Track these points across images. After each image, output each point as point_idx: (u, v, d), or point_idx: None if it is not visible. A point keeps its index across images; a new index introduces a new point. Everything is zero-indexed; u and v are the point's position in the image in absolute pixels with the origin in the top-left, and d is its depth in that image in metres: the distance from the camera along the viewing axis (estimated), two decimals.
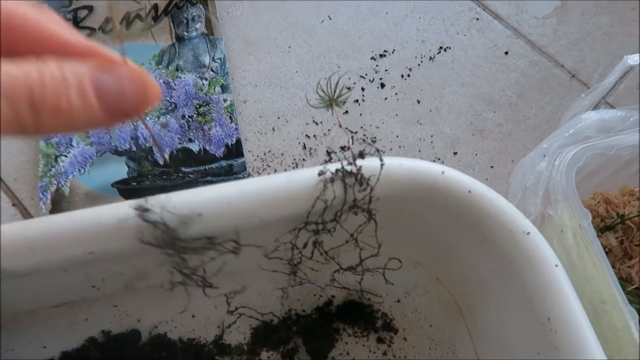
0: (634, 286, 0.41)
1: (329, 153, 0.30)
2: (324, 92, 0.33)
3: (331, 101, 0.33)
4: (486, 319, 0.37)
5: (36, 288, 0.33)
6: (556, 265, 0.29)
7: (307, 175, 0.30)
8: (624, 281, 0.42)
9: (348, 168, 0.30)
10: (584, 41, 0.58)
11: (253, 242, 0.32)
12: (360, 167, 0.30)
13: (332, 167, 0.30)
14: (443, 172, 0.31)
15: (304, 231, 0.32)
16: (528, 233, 0.30)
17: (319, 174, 0.30)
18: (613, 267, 0.42)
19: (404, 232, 0.38)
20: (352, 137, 0.32)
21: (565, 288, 0.29)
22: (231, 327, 0.41)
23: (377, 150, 0.31)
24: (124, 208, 0.28)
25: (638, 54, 0.44)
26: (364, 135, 0.48)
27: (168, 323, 0.40)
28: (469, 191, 0.31)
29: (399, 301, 0.43)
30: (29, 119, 0.18)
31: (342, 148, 0.39)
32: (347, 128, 0.32)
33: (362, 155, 0.31)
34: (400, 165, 0.31)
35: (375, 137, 0.50)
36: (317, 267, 0.35)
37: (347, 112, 0.52)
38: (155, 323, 0.40)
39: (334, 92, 0.33)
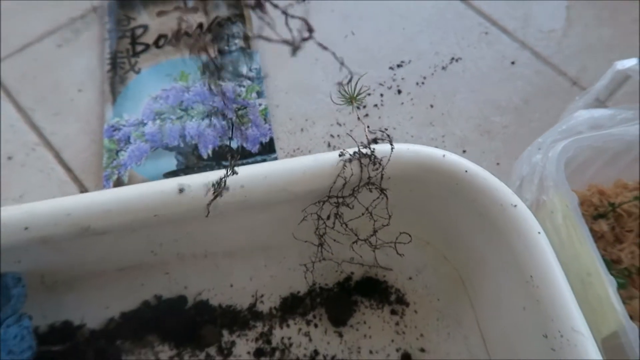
0: (623, 266, 0.46)
1: (341, 154, 0.36)
2: (345, 91, 0.40)
3: (351, 99, 0.40)
4: (484, 288, 0.42)
5: (107, 249, 0.40)
6: (539, 233, 0.35)
7: (330, 157, 0.37)
8: (614, 263, 0.47)
9: (364, 151, 0.37)
10: (586, 51, 0.63)
11: (284, 212, 0.38)
12: (374, 149, 0.37)
13: (351, 150, 0.37)
14: (444, 155, 0.37)
15: (327, 205, 0.38)
16: (515, 206, 0.36)
17: (340, 155, 0.36)
18: (604, 250, 0.47)
19: (414, 212, 0.44)
20: (368, 127, 0.38)
21: (546, 250, 0.34)
22: (263, 297, 0.47)
23: (388, 136, 0.37)
24: (183, 181, 0.35)
25: (627, 60, 0.49)
26: (382, 135, 0.55)
27: (210, 291, 0.47)
28: (466, 171, 0.37)
29: (410, 278, 0.48)
30: None
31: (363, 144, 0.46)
32: (362, 122, 0.38)
33: (375, 140, 0.38)
34: (407, 150, 0.38)
35: (391, 136, 0.56)
36: (338, 238, 0.41)
37: (367, 115, 0.59)
38: (199, 290, 0.47)
39: (354, 91, 0.40)
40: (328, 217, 0.39)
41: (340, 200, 0.37)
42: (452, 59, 0.62)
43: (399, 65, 0.62)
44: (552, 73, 0.62)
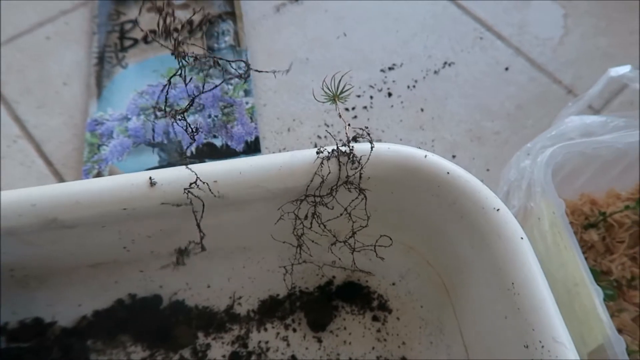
0: (613, 278, 0.44)
1: (319, 151, 0.35)
2: (328, 88, 0.39)
3: (334, 97, 0.39)
4: (466, 295, 0.41)
5: (77, 244, 0.39)
6: (521, 238, 0.34)
7: (307, 154, 0.36)
8: (604, 274, 0.45)
9: (342, 148, 0.36)
10: (582, 60, 0.62)
11: (261, 210, 0.37)
12: (353, 147, 0.35)
13: (330, 148, 0.36)
14: (425, 156, 0.36)
15: (306, 204, 0.37)
16: (498, 209, 0.34)
17: (317, 152, 0.35)
18: (594, 261, 0.46)
19: (396, 215, 0.42)
20: (349, 125, 0.37)
21: (528, 257, 0.33)
22: (241, 299, 0.46)
23: (369, 134, 0.36)
24: (155, 174, 0.34)
25: (621, 67, 0.48)
26: (363, 133, 0.54)
27: (186, 291, 0.46)
28: (448, 172, 0.36)
29: (393, 284, 0.47)
30: None
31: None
32: (343, 119, 0.37)
33: (355, 138, 0.37)
34: (388, 149, 0.36)
35: (372, 135, 0.55)
36: (318, 239, 0.40)
37: (355, 117, 0.58)
38: (175, 290, 0.46)
39: (337, 88, 0.38)
40: (306, 217, 0.37)
41: (318, 199, 0.36)
42: (445, 63, 0.61)
43: (390, 68, 0.61)
44: (546, 80, 0.61)
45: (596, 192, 0.50)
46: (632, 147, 0.43)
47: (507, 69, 0.61)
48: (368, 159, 0.35)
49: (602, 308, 0.36)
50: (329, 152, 0.35)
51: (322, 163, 0.35)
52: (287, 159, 0.35)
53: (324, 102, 0.39)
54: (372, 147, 0.36)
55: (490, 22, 0.65)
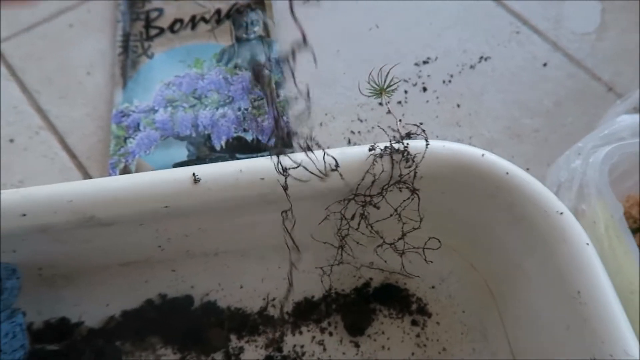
0: None
1: (371, 148, 0.33)
2: (375, 82, 0.36)
3: (381, 90, 0.37)
4: (517, 302, 0.39)
5: (111, 242, 0.37)
6: (587, 244, 0.32)
7: (359, 151, 0.34)
8: None
9: (396, 146, 0.34)
10: (621, 56, 0.60)
11: (304, 208, 0.35)
12: (407, 144, 0.33)
13: (382, 144, 0.34)
14: (483, 155, 0.34)
15: (353, 204, 0.35)
16: (561, 213, 0.32)
17: (370, 149, 0.33)
18: None
19: (444, 216, 0.40)
20: (400, 120, 0.35)
21: (595, 264, 0.31)
22: (275, 300, 0.44)
23: (423, 131, 0.34)
24: (199, 170, 0.32)
25: None
26: (417, 129, 0.52)
27: (218, 292, 0.44)
28: (507, 173, 0.34)
29: (433, 287, 0.45)
30: None
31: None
32: (394, 115, 0.35)
33: (409, 135, 0.34)
34: (443, 147, 0.34)
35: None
36: (361, 240, 0.38)
37: (389, 112, 0.55)
38: (207, 290, 0.44)
39: (385, 82, 0.36)
40: (352, 218, 0.36)
41: (368, 199, 0.34)
42: (481, 57, 0.59)
43: (424, 62, 0.59)
44: (585, 77, 0.59)
45: None
46: None
47: (545, 64, 0.59)
48: (423, 157, 0.33)
49: None
50: (381, 150, 0.33)
51: (374, 161, 0.33)
52: (337, 155, 0.33)
53: (369, 96, 0.37)
54: (427, 145, 0.34)
55: (526, 15, 0.63)
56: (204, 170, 0.32)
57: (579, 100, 0.57)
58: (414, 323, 0.44)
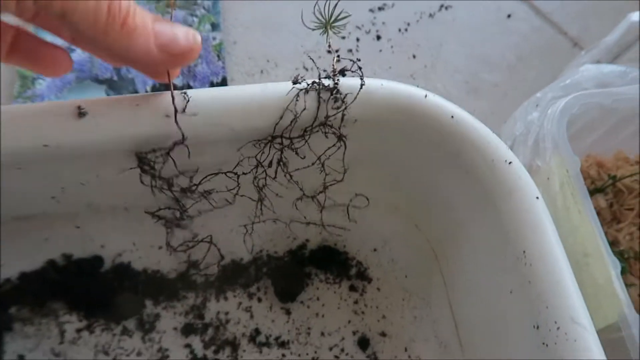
0: (620, 248, 0.40)
1: (295, 81, 0.28)
2: (321, 14, 0.31)
3: (327, 24, 0.32)
4: (461, 265, 0.35)
5: None
6: (537, 198, 0.28)
7: (283, 87, 0.29)
8: (611, 245, 0.40)
9: (325, 82, 0.29)
10: (589, 11, 0.56)
11: (220, 156, 0.30)
12: (338, 81, 0.29)
13: (310, 80, 0.29)
14: (426, 96, 0.30)
15: (270, 148, 0.30)
16: (510, 162, 0.28)
17: (294, 82, 0.28)
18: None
19: (385, 169, 0.36)
20: (339, 57, 0.30)
21: (544, 220, 0.27)
22: (199, 263, 0.39)
23: (360, 68, 0.29)
24: (85, 103, 0.27)
25: None
26: (361, 71, 0.47)
27: (133, 252, 0.39)
28: (452, 116, 0.29)
29: (375, 250, 0.41)
30: (104, 22, 0.22)
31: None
32: (332, 51, 0.30)
33: (342, 72, 0.30)
34: (381, 86, 0.30)
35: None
36: (281, 192, 0.33)
37: (339, 60, 0.50)
38: (120, 251, 0.39)
39: (330, 16, 0.31)
40: (270, 165, 0.31)
41: (287, 142, 0.29)
42: (442, 5, 0.54)
43: (380, 8, 0.53)
44: (551, 31, 0.55)
45: (603, 153, 0.45)
46: None
47: (509, 16, 0.55)
48: (356, 97, 0.29)
49: (619, 282, 0.31)
50: (307, 85, 0.28)
51: (297, 96, 0.28)
52: (257, 91, 0.28)
53: (313, 29, 0.32)
54: (362, 84, 0.29)
55: None
56: (92, 103, 0.27)
57: (543, 55, 0.53)
58: (353, 289, 0.40)
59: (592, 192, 0.42)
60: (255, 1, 0.52)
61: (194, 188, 0.31)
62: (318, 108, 0.28)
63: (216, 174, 0.31)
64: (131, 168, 0.29)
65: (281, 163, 0.29)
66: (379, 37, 0.52)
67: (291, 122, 0.27)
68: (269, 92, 0.28)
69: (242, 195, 0.33)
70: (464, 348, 0.36)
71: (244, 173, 0.31)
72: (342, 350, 0.38)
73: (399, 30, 0.53)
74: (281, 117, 0.27)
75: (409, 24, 0.53)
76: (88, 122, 0.27)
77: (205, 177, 0.31)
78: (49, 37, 0.28)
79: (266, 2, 0.52)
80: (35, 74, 0.44)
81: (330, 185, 0.31)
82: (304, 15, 0.52)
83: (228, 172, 0.30)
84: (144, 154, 0.28)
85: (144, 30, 0.24)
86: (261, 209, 0.33)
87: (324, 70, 0.29)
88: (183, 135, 0.27)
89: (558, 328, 0.25)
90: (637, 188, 0.42)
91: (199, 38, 0.25)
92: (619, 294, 0.31)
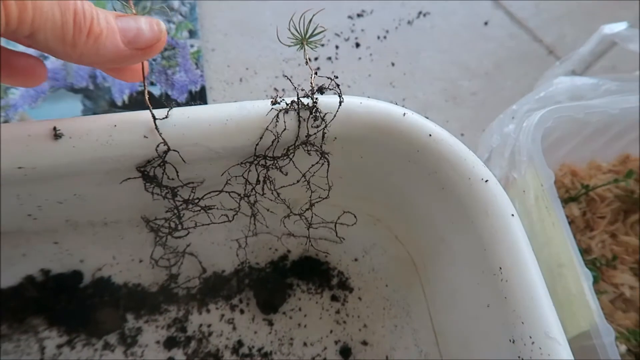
0: (593, 257, 0.41)
1: (274, 102, 0.28)
2: (296, 29, 0.31)
3: (302, 40, 0.31)
4: (440, 277, 0.36)
5: None
6: (512, 215, 0.28)
7: (260, 105, 0.29)
8: (584, 252, 0.42)
9: (304, 100, 0.29)
10: (565, 18, 0.57)
11: (202, 173, 0.30)
12: (317, 99, 0.29)
13: (289, 99, 0.29)
14: (404, 114, 0.30)
15: (257, 167, 0.30)
16: (486, 181, 0.29)
17: (272, 103, 0.28)
18: (574, 238, 0.42)
19: (364, 183, 0.36)
20: (316, 74, 0.30)
21: (520, 238, 0.28)
22: (180, 276, 0.39)
23: (338, 85, 0.29)
24: (62, 123, 0.26)
25: (615, 24, 0.43)
26: (339, 88, 0.47)
27: (113, 266, 0.39)
28: (430, 135, 0.30)
29: (356, 260, 0.41)
30: (71, 35, 0.22)
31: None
32: (310, 67, 0.30)
33: (321, 90, 0.30)
34: (360, 104, 0.30)
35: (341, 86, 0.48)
36: (272, 207, 0.33)
37: (318, 68, 0.50)
38: (99, 265, 0.38)
39: (306, 30, 0.31)
40: (257, 182, 0.31)
41: (270, 161, 0.29)
42: (420, 12, 0.55)
43: (359, 15, 0.53)
44: (527, 38, 0.56)
45: (577, 162, 0.46)
46: (627, 114, 0.38)
47: (486, 23, 0.55)
48: (335, 115, 0.29)
49: (590, 293, 0.32)
50: (287, 104, 0.28)
51: (277, 117, 0.28)
52: (234, 110, 0.28)
53: (289, 46, 0.32)
54: (340, 101, 0.29)
55: None
56: (68, 124, 0.27)
57: (519, 62, 0.54)
58: (334, 298, 0.41)
59: (567, 201, 0.43)
60: (234, 5, 0.52)
61: (196, 200, 0.31)
62: (299, 127, 0.28)
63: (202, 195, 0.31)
64: (127, 179, 0.29)
65: (267, 181, 0.30)
66: (357, 45, 0.52)
67: (272, 142, 0.27)
68: (247, 112, 0.28)
69: (235, 212, 0.33)
70: (443, 358, 0.36)
71: (229, 192, 0.31)
72: (325, 359, 0.39)
73: (378, 37, 0.53)
74: (261, 138, 0.28)
75: (387, 31, 0.53)
76: (64, 143, 0.26)
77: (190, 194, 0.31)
78: (21, 47, 0.27)
79: (244, 7, 0.52)
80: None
81: (317, 202, 0.32)
82: (279, 19, 0.52)
83: (212, 191, 0.30)
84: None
85: (110, 31, 0.24)
86: (255, 224, 0.33)
87: (302, 89, 0.29)
88: (168, 147, 0.27)
89: (533, 342, 0.26)
90: (610, 196, 0.43)
91: (163, 26, 0.26)
92: (591, 305, 0.32)
